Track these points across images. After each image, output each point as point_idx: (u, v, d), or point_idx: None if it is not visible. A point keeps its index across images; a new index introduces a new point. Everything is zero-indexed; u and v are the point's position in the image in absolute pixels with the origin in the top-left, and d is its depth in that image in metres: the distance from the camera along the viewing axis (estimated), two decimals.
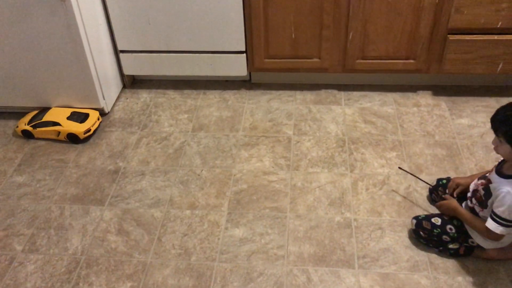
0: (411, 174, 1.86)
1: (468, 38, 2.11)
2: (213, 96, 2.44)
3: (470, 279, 1.57)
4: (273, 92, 2.44)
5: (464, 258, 1.62)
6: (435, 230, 1.61)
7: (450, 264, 1.62)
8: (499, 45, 2.10)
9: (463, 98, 2.32)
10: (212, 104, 2.39)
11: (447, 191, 1.72)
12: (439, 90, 2.38)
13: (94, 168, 2.05)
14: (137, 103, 2.42)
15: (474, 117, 2.21)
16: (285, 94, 2.42)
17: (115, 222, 1.81)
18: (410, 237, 1.70)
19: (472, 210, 1.57)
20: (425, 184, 1.82)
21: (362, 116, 2.26)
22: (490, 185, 1.48)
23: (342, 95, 2.39)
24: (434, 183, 1.80)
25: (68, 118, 2.17)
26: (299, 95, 2.41)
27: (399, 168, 1.90)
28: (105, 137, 2.21)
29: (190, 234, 1.75)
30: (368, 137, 2.14)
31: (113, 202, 1.89)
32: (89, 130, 2.16)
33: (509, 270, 1.59)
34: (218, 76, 2.48)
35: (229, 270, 1.62)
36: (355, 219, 1.78)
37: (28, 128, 2.17)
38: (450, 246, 1.60)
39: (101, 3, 2.21)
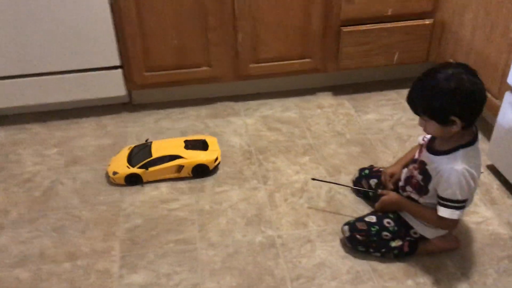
0: (328, 181, 1.64)
1: (363, 29, 2.01)
2: (88, 124, 2.03)
3: (421, 280, 1.35)
4: (161, 111, 2.11)
5: (409, 258, 1.40)
6: (372, 228, 1.38)
7: (395, 268, 1.39)
8: (392, 33, 2.03)
9: (364, 95, 2.21)
10: (87, 133, 1.97)
11: (380, 186, 1.51)
12: (338, 90, 2.24)
13: None
14: None
15: (380, 111, 2.09)
16: (175, 112, 2.10)
17: None
18: (344, 245, 1.45)
19: (409, 199, 1.37)
20: (345, 186, 1.63)
21: (265, 124, 2.01)
22: (427, 166, 1.30)
23: (240, 105, 2.14)
24: (357, 175, 1.62)
25: (186, 148, 1.73)
26: (191, 111, 2.10)
27: (312, 179, 1.66)
28: None
29: None
30: (276, 144, 1.89)
31: None
32: (217, 158, 1.74)
33: (456, 263, 1.41)
34: (92, 100, 2.08)
35: None
36: (279, 236, 1.49)
37: (137, 171, 1.67)
38: (393, 244, 1.37)
39: None
